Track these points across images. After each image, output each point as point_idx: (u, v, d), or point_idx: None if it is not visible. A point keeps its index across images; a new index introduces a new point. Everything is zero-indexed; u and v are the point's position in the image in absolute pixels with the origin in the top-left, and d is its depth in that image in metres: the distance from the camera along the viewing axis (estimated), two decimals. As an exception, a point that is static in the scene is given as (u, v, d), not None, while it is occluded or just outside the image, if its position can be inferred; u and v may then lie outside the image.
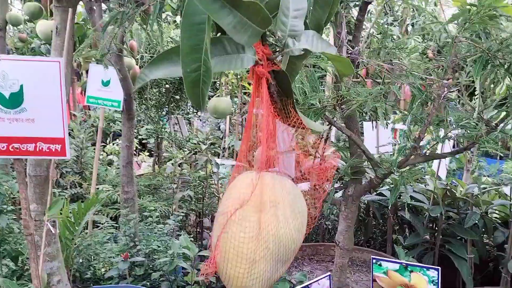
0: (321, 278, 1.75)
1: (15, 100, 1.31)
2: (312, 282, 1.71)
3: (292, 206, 0.99)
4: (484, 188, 3.01)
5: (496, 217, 2.98)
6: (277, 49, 1.03)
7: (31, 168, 1.61)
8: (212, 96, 3.09)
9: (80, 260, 2.55)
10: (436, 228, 2.97)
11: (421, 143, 1.94)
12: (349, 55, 1.99)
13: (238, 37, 0.89)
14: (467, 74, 2.20)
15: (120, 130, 7.53)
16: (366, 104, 1.88)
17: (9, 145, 1.35)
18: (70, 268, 2.28)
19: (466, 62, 1.98)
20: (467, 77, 2.17)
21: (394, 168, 2.01)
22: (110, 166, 5.99)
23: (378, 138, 3.17)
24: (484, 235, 2.93)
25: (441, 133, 2.05)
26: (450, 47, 1.82)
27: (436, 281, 1.85)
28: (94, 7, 2.64)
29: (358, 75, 2.21)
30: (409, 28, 4.38)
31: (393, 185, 2.95)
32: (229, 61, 0.94)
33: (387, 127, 2.50)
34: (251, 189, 0.97)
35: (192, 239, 2.71)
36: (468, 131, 1.93)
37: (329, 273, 1.79)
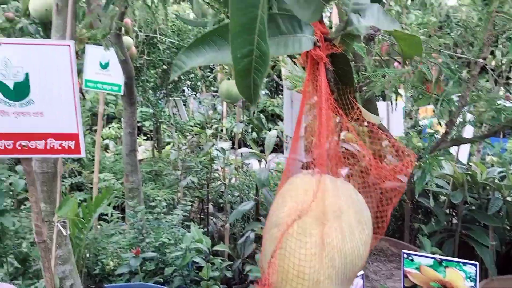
0: (354, 277, 1.62)
1: (20, 91, 1.12)
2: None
3: (357, 216, 0.84)
4: (501, 172, 2.88)
5: (516, 201, 2.86)
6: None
7: (37, 164, 1.43)
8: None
9: (87, 255, 2.41)
10: (455, 215, 2.86)
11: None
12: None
13: (302, 12, 0.73)
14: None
15: (114, 113, 7.31)
16: (391, 85, 1.76)
17: (16, 143, 1.16)
18: (81, 269, 2.13)
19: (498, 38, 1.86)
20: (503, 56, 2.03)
21: (426, 155, 1.89)
22: (106, 151, 5.81)
23: (388, 121, 3.02)
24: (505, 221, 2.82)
25: (468, 116, 1.95)
26: (485, 22, 1.69)
27: (474, 277, 1.73)
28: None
29: (378, 54, 2.08)
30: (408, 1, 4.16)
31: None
32: (285, 44, 0.77)
33: (412, 109, 2.34)
34: (309, 196, 0.82)
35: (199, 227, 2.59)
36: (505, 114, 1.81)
37: (362, 272, 1.67)
